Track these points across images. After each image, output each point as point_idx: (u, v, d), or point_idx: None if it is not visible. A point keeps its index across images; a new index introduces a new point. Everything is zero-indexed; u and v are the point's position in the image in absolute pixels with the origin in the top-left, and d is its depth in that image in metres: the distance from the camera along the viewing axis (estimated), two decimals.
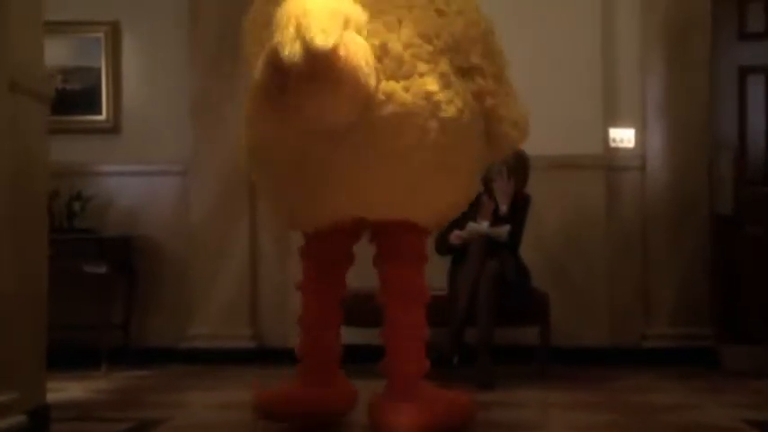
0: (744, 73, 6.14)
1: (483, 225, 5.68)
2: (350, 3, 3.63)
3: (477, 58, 3.90)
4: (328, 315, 4.23)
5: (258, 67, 3.60)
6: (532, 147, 5.65)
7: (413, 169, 3.74)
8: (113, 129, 6.80)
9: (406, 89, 3.69)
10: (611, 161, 6.47)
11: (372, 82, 3.60)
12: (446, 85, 3.77)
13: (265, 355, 6.46)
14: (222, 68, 6.48)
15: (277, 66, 3.46)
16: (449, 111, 3.75)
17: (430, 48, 3.76)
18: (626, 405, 5.03)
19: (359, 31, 3.60)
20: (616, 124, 6.51)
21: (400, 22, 3.75)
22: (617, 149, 6.49)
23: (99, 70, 6.77)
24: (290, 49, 3.38)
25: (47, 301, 4.29)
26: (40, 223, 4.28)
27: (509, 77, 4.15)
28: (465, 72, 3.88)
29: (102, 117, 6.79)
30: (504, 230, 5.69)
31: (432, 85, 3.72)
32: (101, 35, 6.79)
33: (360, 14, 3.63)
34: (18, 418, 3.87)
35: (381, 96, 3.67)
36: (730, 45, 6.14)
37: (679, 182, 6.36)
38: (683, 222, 6.34)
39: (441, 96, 3.74)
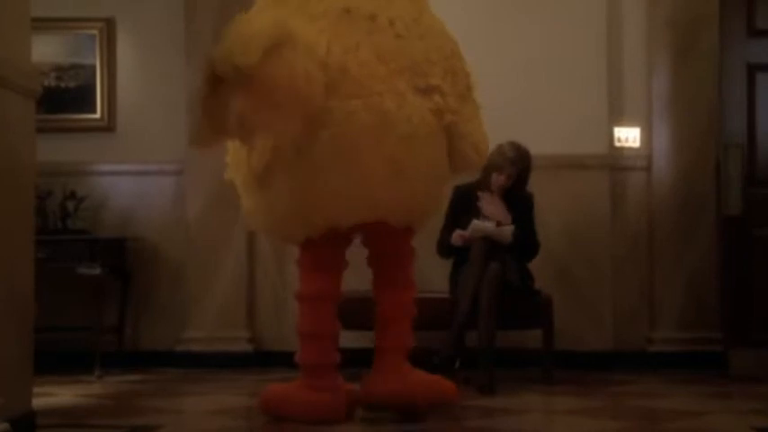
0: (753, 70, 6.03)
1: (487, 224, 5.57)
2: (300, 25, 4.01)
3: (437, 78, 4.21)
4: (328, 323, 4.41)
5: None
6: (535, 145, 5.77)
7: (370, 180, 4.10)
8: (108, 127, 6.71)
9: (365, 107, 4.04)
10: (615, 161, 6.40)
11: (316, 99, 3.96)
12: (401, 103, 4.10)
13: (263, 359, 6.40)
14: None
15: (208, 77, 3.92)
16: (403, 127, 4.08)
17: (385, 69, 4.08)
18: (632, 411, 4.95)
19: (309, 51, 3.96)
20: (621, 123, 6.43)
21: (358, 45, 4.08)
22: (622, 149, 6.43)
23: (93, 67, 6.69)
24: (219, 64, 3.84)
25: (34, 304, 4.20)
26: (26, 223, 4.18)
27: (476, 99, 4.46)
28: (424, 91, 4.19)
29: (97, 115, 6.71)
30: (508, 231, 5.57)
31: (388, 102, 4.06)
32: (95, 32, 6.71)
33: (309, 35, 4.01)
34: (0, 426, 3.74)
35: (341, 114, 4.03)
36: (739, 41, 6.02)
37: (686, 182, 6.29)
38: (689, 223, 6.27)
39: (396, 114, 4.07)
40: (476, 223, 5.57)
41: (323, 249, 4.31)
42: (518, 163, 5.66)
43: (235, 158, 4.40)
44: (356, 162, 4.07)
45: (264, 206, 4.32)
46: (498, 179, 5.64)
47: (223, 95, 3.90)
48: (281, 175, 4.12)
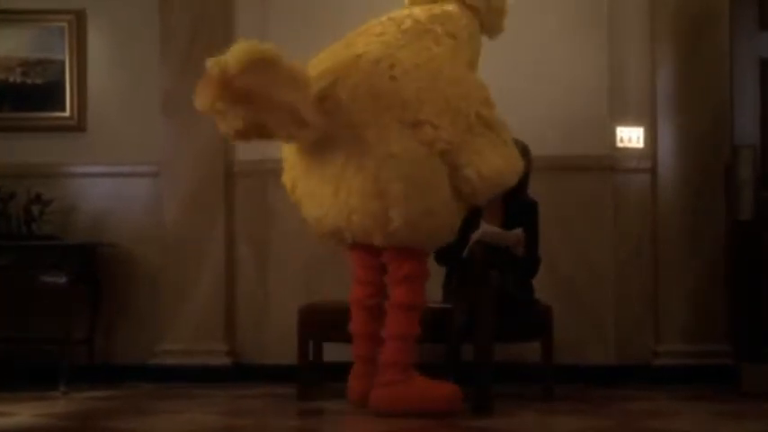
0: (765, 65, 5.83)
1: (496, 229, 5.42)
2: (315, 64, 4.98)
3: (425, 114, 4.86)
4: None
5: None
6: (532, 146, 5.69)
7: (351, 199, 4.85)
8: (78, 126, 6.54)
9: (351, 137, 4.82)
10: (618, 162, 6.29)
11: (304, 105, 4.67)
12: (384, 136, 4.80)
13: (242, 373, 6.27)
14: (196, 61, 6.05)
15: (208, 78, 4.61)
16: (381, 153, 4.79)
17: (372, 104, 4.83)
18: None
19: (294, 72, 4.73)
20: (624, 122, 6.31)
21: (357, 84, 4.85)
22: (625, 149, 6.30)
23: (62, 63, 6.53)
24: (213, 67, 4.56)
25: None
26: None
27: (481, 135, 4.98)
28: (413, 125, 4.85)
29: (66, 114, 6.54)
30: (515, 235, 5.37)
31: (370, 135, 4.81)
32: (64, 24, 6.54)
33: (318, 70, 4.94)
34: None
35: (329, 140, 4.83)
36: (750, 35, 5.83)
37: (692, 184, 6.17)
38: (697, 229, 6.15)
39: (376, 146, 4.80)
40: (485, 228, 5.38)
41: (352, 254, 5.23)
42: None
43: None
44: None
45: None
46: None
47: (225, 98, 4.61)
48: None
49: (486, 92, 5.10)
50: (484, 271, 5.22)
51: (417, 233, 4.88)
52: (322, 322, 5.46)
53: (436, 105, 4.88)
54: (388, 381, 4.93)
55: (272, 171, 5.58)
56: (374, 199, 4.79)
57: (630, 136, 6.28)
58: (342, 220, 4.87)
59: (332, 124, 4.78)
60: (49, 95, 6.49)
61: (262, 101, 4.57)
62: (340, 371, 5.23)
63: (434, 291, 5.53)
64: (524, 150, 5.52)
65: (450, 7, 5.30)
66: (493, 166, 4.94)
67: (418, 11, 5.23)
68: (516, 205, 5.53)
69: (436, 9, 5.25)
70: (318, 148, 4.87)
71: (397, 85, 4.87)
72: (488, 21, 5.43)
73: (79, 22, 6.50)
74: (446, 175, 4.90)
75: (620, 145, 6.28)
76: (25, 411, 5.20)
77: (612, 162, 6.23)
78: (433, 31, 5.11)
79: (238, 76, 4.50)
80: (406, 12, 5.26)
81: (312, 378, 5.59)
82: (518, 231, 5.38)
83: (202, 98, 4.61)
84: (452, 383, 5.00)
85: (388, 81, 4.88)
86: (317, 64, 4.99)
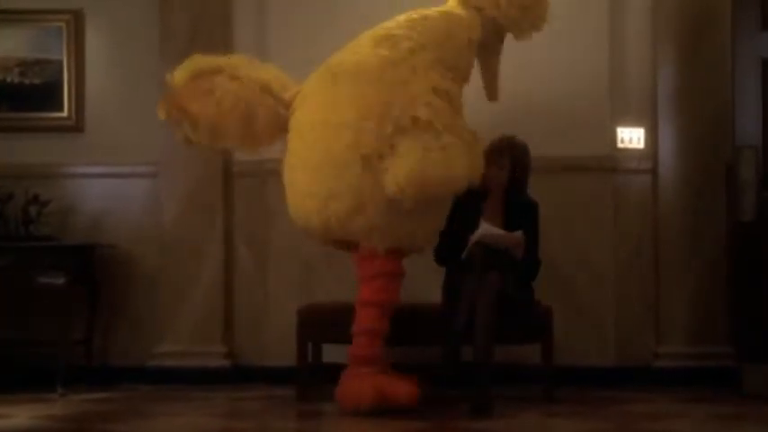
0: (767, 66, 5.82)
1: (496, 230, 5.38)
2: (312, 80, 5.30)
3: (349, 118, 5.06)
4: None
5: None
6: (532, 147, 5.66)
7: (306, 201, 5.17)
8: (76, 127, 6.51)
9: (299, 140, 5.22)
10: (618, 163, 6.27)
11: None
12: (319, 138, 5.13)
13: (241, 375, 6.23)
14: None
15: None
16: (316, 156, 5.14)
17: (315, 108, 5.19)
18: None
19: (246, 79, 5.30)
20: (624, 122, 6.28)
21: (316, 92, 5.23)
22: (625, 150, 6.27)
23: (60, 63, 6.49)
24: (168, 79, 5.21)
25: None
26: None
27: (414, 139, 5.00)
28: (337, 128, 5.08)
29: (64, 114, 6.50)
30: (515, 237, 5.34)
31: (310, 138, 5.19)
32: (62, 24, 6.51)
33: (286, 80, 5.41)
34: None
35: (290, 143, 5.26)
36: (752, 34, 5.79)
37: (693, 185, 6.13)
38: (698, 230, 6.11)
39: (313, 148, 5.15)
40: (485, 228, 5.35)
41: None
42: (506, 152, 5.52)
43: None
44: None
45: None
46: (489, 171, 5.41)
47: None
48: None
49: (429, 96, 5.07)
50: (483, 272, 5.20)
51: (350, 233, 5.10)
52: (321, 323, 5.44)
53: (360, 110, 5.03)
54: (350, 374, 5.06)
55: (272, 171, 5.57)
56: (313, 199, 5.09)
57: (631, 136, 6.26)
58: (307, 220, 5.19)
59: (286, 132, 5.23)
60: (46, 96, 6.45)
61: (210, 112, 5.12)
62: (339, 372, 5.18)
63: (434, 291, 5.51)
64: (517, 143, 5.54)
65: (450, 10, 5.33)
66: (413, 170, 4.94)
67: (404, 16, 5.33)
68: (517, 205, 5.50)
69: (416, 14, 5.31)
70: (289, 151, 5.24)
71: (335, 90, 5.13)
72: (507, 19, 5.38)
73: (77, 22, 6.46)
74: (375, 176, 4.99)
75: (620, 145, 6.25)
76: (22, 413, 5.17)
77: (613, 163, 6.21)
78: (394, 36, 5.19)
79: (184, 88, 5.11)
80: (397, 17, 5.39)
81: (311, 380, 5.57)
82: (518, 234, 5.35)
83: (160, 109, 5.20)
84: (413, 382, 5.05)
85: (330, 86, 5.16)
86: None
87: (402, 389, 5.00)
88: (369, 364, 5.06)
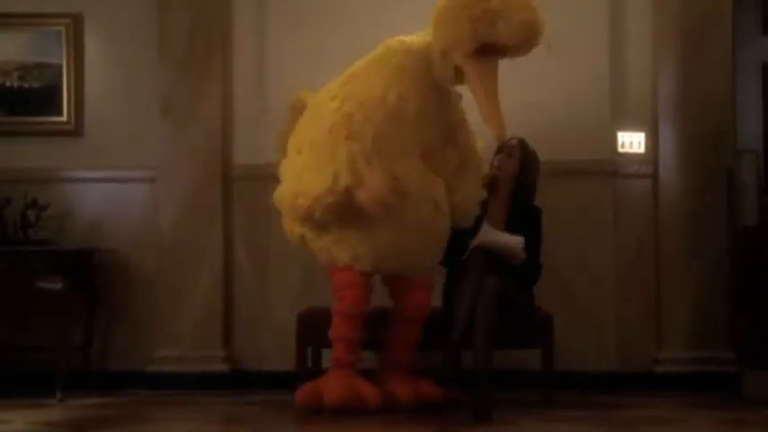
0: None
1: (496, 236, 5.42)
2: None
3: (290, 145, 5.44)
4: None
5: None
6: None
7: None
8: (75, 131, 6.48)
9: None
10: (619, 167, 6.24)
11: None
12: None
13: (240, 380, 6.21)
14: (194, 65, 6.31)
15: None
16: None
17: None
18: None
19: None
20: (625, 126, 6.26)
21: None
22: (626, 154, 6.26)
23: (59, 67, 6.47)
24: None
25: None
26: None
27: (303, 159, 5.27)
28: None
29: (63, 118, 6.48)
30: (514, 247, 5.37)
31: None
32: (61, 28, 6.48)
33: None
34: None
35: None
36: (753, 39, 5.97)
37: (694, 190, 6.11)
38: (699, 234, 6.09)
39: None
40: (486, 230, 5.38)
41: None
42: (518, 146, 5.59)
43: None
44: None
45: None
46: (495, 158, 5.51)
47: None
48: None
49: (338, 120, 5.17)
50: (483, 275, 5.20)
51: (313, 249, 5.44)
52: (321, 328, 5.41)
53: (295, 136, 5.41)
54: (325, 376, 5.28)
55: (271, 175, 5.55)
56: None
57: (632, 141, 6.24)
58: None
59: None
60: (46, 100, 6.43)
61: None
62: None
63: (435, 294, 5.50)
64: (534, 155, 5.57)
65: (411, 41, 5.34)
66: (285, 189, 5.30)
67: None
68: (520, 209, 5.52)
69: (382, 47, 5.37)
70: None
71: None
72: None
73: (76, 25, 6.43)
74: None
75: (621, 150, 6.23)
76: (21, 419, 5.17)
77: (614, 167, 6.18)
78: (356, 68, 5.34)
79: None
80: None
81: None
82: (517, 245, 5.36)
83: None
84: (376, 389, 5.16)
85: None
86: None
87: (367, 393, 5.14)
88: (342, 368, 5.21)
